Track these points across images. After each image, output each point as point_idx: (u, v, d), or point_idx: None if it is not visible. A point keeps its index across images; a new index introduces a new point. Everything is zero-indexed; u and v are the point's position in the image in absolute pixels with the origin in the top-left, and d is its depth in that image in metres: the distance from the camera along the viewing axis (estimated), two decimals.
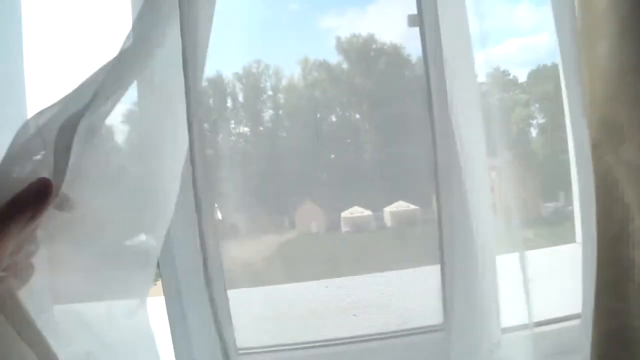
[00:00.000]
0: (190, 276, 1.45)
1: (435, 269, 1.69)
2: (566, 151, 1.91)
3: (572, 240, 2.05)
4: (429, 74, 1.47)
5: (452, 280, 1.49)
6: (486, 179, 1.48)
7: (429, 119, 1.49)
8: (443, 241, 1.51)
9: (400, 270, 1.96)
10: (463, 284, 1.45)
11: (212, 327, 1.29)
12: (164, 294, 1.45)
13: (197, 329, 1.44)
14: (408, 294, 2.00)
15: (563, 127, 1.88)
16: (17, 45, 1.57)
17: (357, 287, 2.11)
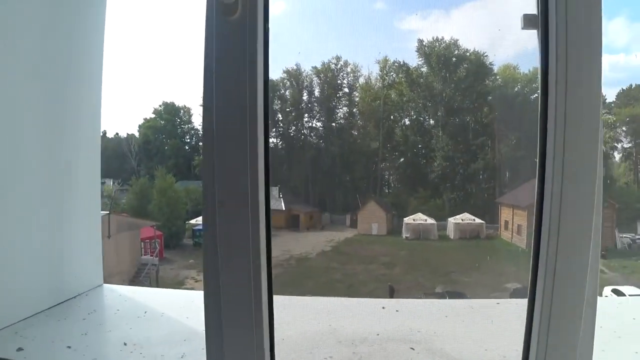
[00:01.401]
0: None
1: (517, 303, 1.50)
2: None
3: None
4: (548, 84, 1.34)
5: (546, 321, 1.35)
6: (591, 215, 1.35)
7: (540, 136, 1.34)
8: (538, 275, 1.37)
9: (467, 299, 1.77)
10: (559, 326, 1.33)
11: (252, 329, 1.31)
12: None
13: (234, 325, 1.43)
14: (480, 327, 1.73)
15: None
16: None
17: (417, 313, 1.82)
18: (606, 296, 5.86)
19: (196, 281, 8.19)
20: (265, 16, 1.41)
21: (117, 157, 12.13)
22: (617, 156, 9.40)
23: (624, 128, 9.48)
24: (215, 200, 1.36)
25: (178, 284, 8.79)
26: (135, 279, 9.34)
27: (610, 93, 8.47)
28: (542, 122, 1.40)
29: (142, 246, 10.22)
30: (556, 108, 1.33)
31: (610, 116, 9.28)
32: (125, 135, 12.65)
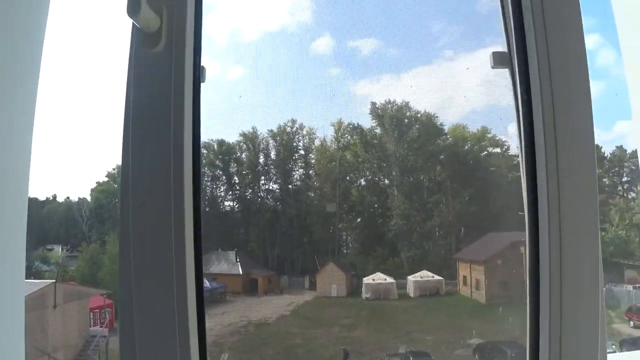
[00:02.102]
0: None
1: None
2: None
3: None
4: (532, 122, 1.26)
5: None
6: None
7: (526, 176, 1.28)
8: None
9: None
10: None
11: None
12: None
13: None
14: None
15: None
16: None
17: None
18: None
19: None
20: (197, 47, 1.25)
21: (67, 221, 11.64)
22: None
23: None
24: (132, 269, 1.15)
25: None
26: (83, 353, 8.76)
27: None
28: (528, 172, 1.33)
29: (91, 316, 9.68)
30: (546, 148, 1.26)
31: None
32: (76, 199, 12.21)
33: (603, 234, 9.16)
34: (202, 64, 1.28)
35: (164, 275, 1.16)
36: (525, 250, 1.37)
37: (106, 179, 12.18)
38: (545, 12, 1.26)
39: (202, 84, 1.27)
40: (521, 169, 1.37)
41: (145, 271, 1.16)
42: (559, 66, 1.26)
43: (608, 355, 1.32)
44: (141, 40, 1.18)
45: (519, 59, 1.31)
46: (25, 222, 1.67)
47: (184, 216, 1.18)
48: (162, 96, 1.19)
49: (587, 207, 1.26)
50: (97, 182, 12.22)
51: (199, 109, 1.25)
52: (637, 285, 8.18)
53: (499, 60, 1.39)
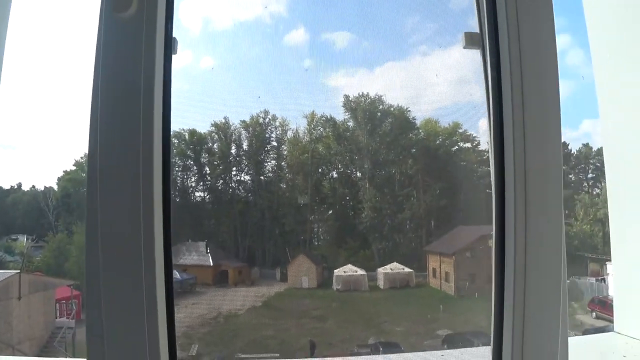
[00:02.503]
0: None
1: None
2: None
3: None
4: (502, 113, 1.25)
5: None
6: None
7: (496, 178, 1.28)
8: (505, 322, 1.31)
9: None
10: None
11: None
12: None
13: None
14: None
15: None
16: None
17: None
18: None
19: None
20: (168, 14, 1.19)
21: (32, 211, 11.34)
22: None
23: None
24: (99, 260, 1.10)
25: None
26: (49, 345, 8.57)
27: None
28: (496, 154, 1.34)
29: (58, 308, 9.47)
30: (514, 149, 1.26)
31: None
32: (42, 188, 11.89)
33: (568, 228, 9.41)
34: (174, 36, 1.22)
35: (132, 266, 1.12)
36: (493, 243, 1.39)
37: (74, 168, 11.88)
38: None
39: (173, 56, 1.22)
40: (490, 162, 1.38)
41: (113, 262, 1.12)
42: (529, 49, 1.27)
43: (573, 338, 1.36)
44: (111, 4, 1.11)
45: (490, 41, 1.32)
46: None
47: (152, 203, 1.15)
48: (131, 64, 1.12)
49: (552, 200, 1.28)
50: (64, 171, 11.92)
51: (169, 79, 1.19)
52: (600, 278, 8.43)
53: (470, 40, 1.40)
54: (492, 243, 1.39)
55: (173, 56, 1.22)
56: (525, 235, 1.28)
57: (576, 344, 2.39)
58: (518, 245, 1.28)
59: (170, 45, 1.20)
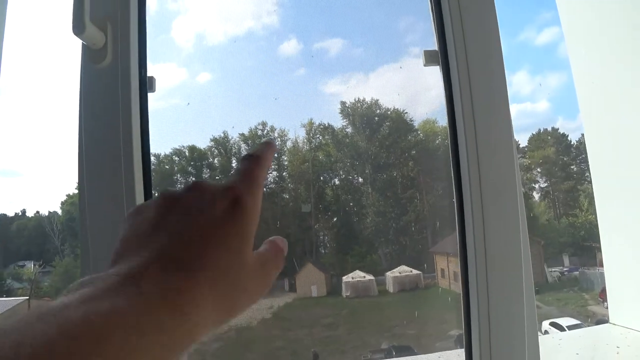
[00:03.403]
0: None
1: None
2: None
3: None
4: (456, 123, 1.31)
5: None
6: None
7: (453, 173, 1.34)
8: (471, 321, 1.35)
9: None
10: None
11: None
12: None
13: None
14: None
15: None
16: None
17: None
18: (546, 330, 6.02)
19: None
20: (142, 62, 1.30)
21: (37, 236, 11.38)
22: (537, 196, 10.00)
23: (538, 169, 10.14)
24: None
25: None
26: None
27: (522, 138, 9.11)
28: (453, 156, 1.40)
29: None
30: (467, 145, 1.32)
31: (525, 159, 9.92)
32: (47, 214, 11.94)
33: (574, 219, 9.40)
34: (151, 74, 1.35)
35: None
36: (457, 244, 1.43)
37: (76, 192, 11.93)
38: (462, 14, 1.33)
39: (151, 94, 1.34)
40: (450, 165, 1.43)
41: None
42: (477, 66, 1.32)
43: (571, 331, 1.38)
44: (88, 57, 1.22)
45: (442, 58, 1.40)
46: None
47: None
48: (110, 110, 1.23)
49: (508, 197, 1.32)
50: (67, 195, 11.97)
51: (147, 118, 1.28)
52: None
53: (429, 58, 1.48)
54: (457, 244, 1.43)
55: (151, 93, 1.34)
56: (483, 233, 1.32)
57: (570, 336, 2.41)
58: (478, 244, 1.31)
59: (145, 86, 1.29)
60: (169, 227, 0.47)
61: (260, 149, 0.60)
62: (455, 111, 1.35)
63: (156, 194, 1.19)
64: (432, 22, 1.46)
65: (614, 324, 2.24)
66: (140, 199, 1.22)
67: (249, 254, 0.51)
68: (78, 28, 1.14)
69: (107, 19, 1.21)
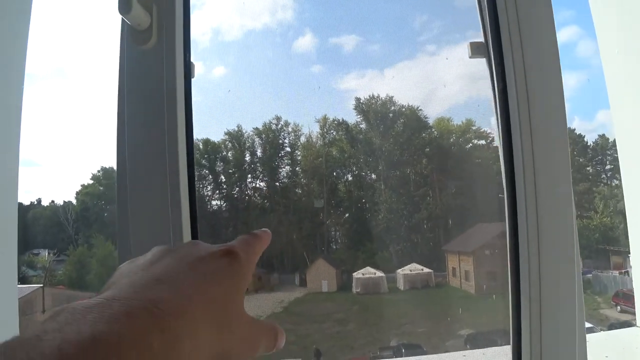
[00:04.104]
0: None
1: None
2: None
3: None
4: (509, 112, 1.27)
5: None
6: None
7: (508, 179, 1.30)
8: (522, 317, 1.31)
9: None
10: None
11: None
12: None
13: None
14: None
15: None
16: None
17: None
18: None
19: None
20: (186, 45, 1.27)
21: (52, 226, 11.52)
22: None
23: None
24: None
25: None
26: None
27: None
28: (505, 147, 1.35)
29: None
30: (522, 139, 1.27)
31: None
32: (62, 203, 12.07)
33: (588, 221, 9.29)
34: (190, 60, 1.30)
35: None
36: (506, 241, 1.40)
37: (91, 182, 12.05)
38: (518, 5, 1.29)
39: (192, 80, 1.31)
40: (501, 161, 1.40)
41: None
42: (532, 57, 1.29)
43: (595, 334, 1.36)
44: (132, 38, 1.18)
45: (494, 50, 1.35)
46: (16, 225, 1.69)
47: (181, 217, 1.20)
48: (154, 93, 1.20)
49: (562, 194, 1.29)
50: (82, 185, 12.10)
51: (190, 104, 1.27)
52: (623, 271, 8.30)
53: (476, 50, 1.43)
54: (507, 242, 1.40)
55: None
56: (537, 232, 1.29)
57: (597, 339, 2.38)
58: (531, 244, 1.29)
59: (189, 71, 1.27)
60: (164, 263, 0.48)
61: (260, 232, 0.64)
62: (509, 105, 1.29)
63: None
64: (478, 14, 1.43)
65: None
66: (184, 184, 1.21)
67: (240, 308, 0.51)
68: (124, 8, 1.11)
69: (152, 0, 1.18)
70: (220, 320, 0.45)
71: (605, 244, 8.94)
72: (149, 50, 1.18)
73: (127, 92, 1.19)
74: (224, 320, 0.46)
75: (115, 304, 0.37)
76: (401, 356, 6.52)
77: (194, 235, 1.23)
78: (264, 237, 0.63)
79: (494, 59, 1.34)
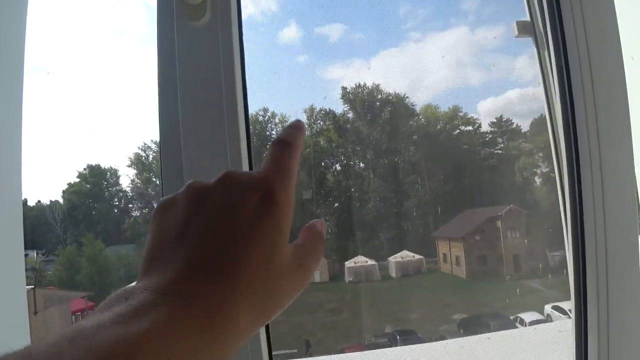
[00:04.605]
0: None
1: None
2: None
3: None
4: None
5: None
6: None
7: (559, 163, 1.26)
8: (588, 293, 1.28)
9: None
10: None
11: None
12: None
13: None
14: None
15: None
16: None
17: None
18: (548, 314, 6.02)
19: None
20: (240, 21, 1.23)
21: (40, 226, 11.39)
22: (538, 181, 9.96)
23: (540, 154, 10.10)
24: None
25: None
26: None
27: (524, 123, 9.06)
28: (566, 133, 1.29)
29: (74, 320, 9.52)
30: (587, 126, 1.21)
31: (527, 144, 9.87)
32: (48, 203, 11.93)
33: None
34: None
35: None
36: (569, 244, 1.35)
37: (77, 180, 11.92)
38: None
39: None
40: (554, 160, 1.36)
41: None
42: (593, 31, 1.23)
43: None
44: (184, 13, 1.15)
45: (552, 29, 1.28)
46: (21, 224, 1.64)
47: None
48: (210, 70, 1.16)
49: (628, 194, 1.25)
50: (68, 184, 11.93)
51: (245, 81, 1.23)
52: None
53: (522, 29, 1.39)
54: (568, 243, 1.35)
55: None
56: (604, 233, 1.25)
57: None
58: (599, 245, 1.24)
59: (243, 51, 1.23)
60: (199, 228, 0.45)
61: (291, 135, 0.55)
62: (573, 90, 1.24)
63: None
64: None
65: None
66: (245, 166, 1.15)
67: (285, 251, 0.47)
68: None
69: None
70: (267, 291, 0.44)
71: None
72: (202, 26, 1.15)
73: (179, 69, 1.16)
74: (271, 290, 0.45)
75: (159, 302, 0.37)
76: (396, 343, 6.56)
77: None
78: (298, 141, 0.54)
79: (552, 39, 1.28)
